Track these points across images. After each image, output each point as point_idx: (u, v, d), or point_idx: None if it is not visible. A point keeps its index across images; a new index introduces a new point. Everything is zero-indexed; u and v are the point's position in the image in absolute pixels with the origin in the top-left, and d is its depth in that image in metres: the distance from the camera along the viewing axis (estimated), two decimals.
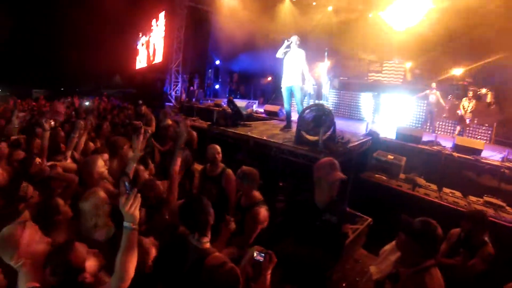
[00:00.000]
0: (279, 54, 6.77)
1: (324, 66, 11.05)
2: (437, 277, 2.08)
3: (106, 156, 3.97)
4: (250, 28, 12.50)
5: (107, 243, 2.29)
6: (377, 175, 5.65)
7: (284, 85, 6.83)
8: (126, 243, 1.75)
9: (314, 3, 13.93)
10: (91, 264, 1.84)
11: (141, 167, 3.77)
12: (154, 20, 21.03)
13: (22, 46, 25.61)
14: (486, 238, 3.18)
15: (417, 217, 2.18)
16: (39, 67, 26.22)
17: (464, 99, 8.87)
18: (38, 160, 3.67)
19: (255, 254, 2.04)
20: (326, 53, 10.02)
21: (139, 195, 1.78)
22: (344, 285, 3.29)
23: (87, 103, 12.26)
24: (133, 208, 1.75)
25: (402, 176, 5.76)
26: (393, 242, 2.51)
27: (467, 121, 8.61)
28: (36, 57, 25.73)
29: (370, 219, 4.64)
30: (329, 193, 2.60)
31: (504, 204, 4.95)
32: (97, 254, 1.97)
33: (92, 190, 2.69)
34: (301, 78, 6.65)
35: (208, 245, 2.15)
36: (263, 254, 2.03)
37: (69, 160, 3.97)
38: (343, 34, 12.64)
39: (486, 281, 3.08)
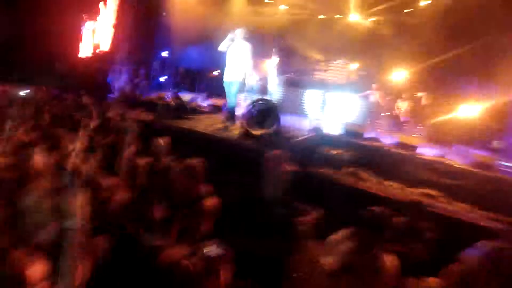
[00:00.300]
0: (222, 47, 6.62)
1: (271, 62, 11.12)
2: (389, 259, 2.15)
3: (43, 149, 3.69)
4: (200, 21, 12.24)
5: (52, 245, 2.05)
6: (321, 169, 5.75)
7: (227, 79, 6.70)
8: (69, 245, 1.58)
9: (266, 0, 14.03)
10: (34, 272, 1.58)
11: (83, 162, 3.56)
12: (101, 4, 19.86)
13: None
14: (426, 225, 3.38)
15: (361, 208, 2.22)
16: None
17: (398, 100, 9.72)
18: None
19: (207, 249, 1.96)
20: (274, 50, 10.07)
21: (81, 191, 1.58)
22: (295, 276, 3.27)
23: (22, 93, 11.31)
24: (75, 205, 1.59)
25: (346, 170, 5.92)
26: (339, 233, 2.48)
27: (401, 119, 9.36)
28: None
29: (320, 211, 4.69)
30: (277, 185, 2.59)
31: (439, 194, 5.36)
32: (41, 258, 1.69)
33: (31, 186, 2.47)
34: (243, 73, 6.54)
35: (159, 242, 2.06)
36: (216, 250, 1.96)
37: None
38: (292, 32, 12.83)
39: (426, 265, 3.24)
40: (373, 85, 10.16)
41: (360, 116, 10.11)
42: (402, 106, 9.78)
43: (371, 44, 11.40)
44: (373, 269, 2.10)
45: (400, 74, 10.98)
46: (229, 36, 6.44)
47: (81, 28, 23.42)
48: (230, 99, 6.89)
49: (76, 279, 1.56)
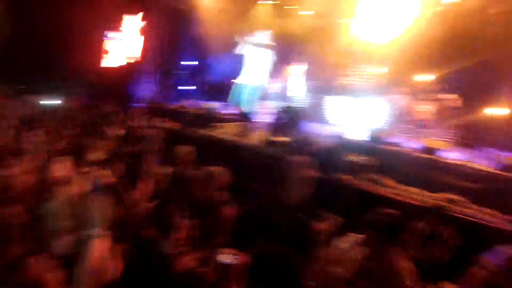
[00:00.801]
0: (239, 50, 6.49)
1: (296, 69, 11.13)
2: (406, 265, 2.19)
3: (71, 157, 3.86)
4: (226, 30, 12.42)
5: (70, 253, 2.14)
6: (345, 176, 5.68)
7: (241, 81, 6.57)
8: (89, 252, 1.62)
9: (291, 7, 14.03)
10: (49, 279, 1.68)
11: (106, 170, 3.68)
12: (127, 16, 20.41)
13: None
14: (447, 230, 3.34)
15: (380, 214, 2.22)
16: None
17: (425, 102, 9.35)
18: None
19: (223, 257, 2.00)
20: (298, 56, 10.08)
21: (106, 199, 1.65)
22: (314, 285, 3.29)
23: (53, 103, 11.79)
24: (97, 214, 1.61)
25: (369, 176, 5.81)
26: (345, 239, 2.56)
27: (429, 124, 9.02)
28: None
29: (339, 219, 4.68)
30: (300, 191, 2.62)
31: (465, 200, 5.13)
32: (57, 267, 1.81)
33: (54, 190, 2.62)
34: (261, 77, 6.41)
35: (176, 249, 2.10)
36: (231, 256, 2.00)
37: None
38: (316, 38, 12.76)
39: (446, 271, 3.20)
40: (402, 89, 9.93)
41: (386, 121, 9.99)
42: (427, 108, 9.44)
43: (398, 46, 11.12)
44: (389, 275, 2.13)
45: (427, 76, 10.72)
46: (249, 39, 6.30)
47: (107, 39, 24.18)
48: (240, 102, 6.65)
49: (94, 285, 1.61)
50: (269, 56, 6.35)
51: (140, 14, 18.42)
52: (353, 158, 5.94)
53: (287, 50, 12.06)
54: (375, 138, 7.27)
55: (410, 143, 7.53)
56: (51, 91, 18.25)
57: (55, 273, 1.74)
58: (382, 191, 5.34)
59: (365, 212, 2.38)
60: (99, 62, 24.86)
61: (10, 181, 2.85)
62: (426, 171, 6.17)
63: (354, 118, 9.95)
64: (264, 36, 6.37)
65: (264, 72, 6.38)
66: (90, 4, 21.21)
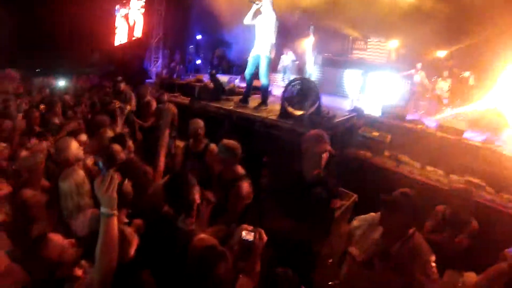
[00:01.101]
0: (246, 20, 6.17)
1: (308, 42, 10.85)
2: (423, 241, 2.16)
3: (84, 136, 3.84)
4: (234, 2, 12.07)
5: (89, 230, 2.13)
6: (361, 152, 5.62)
7: (252, 53, 6.33)
8: (104, 231, 1.55)
9: None
10: (69, 256, 1.69)
11: (118, 147, 3.62)
12: None
13: None
14: (470, 215, 3.27)
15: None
16: (14, 47, 24.94)
17: (439, 79, 9.10)
18: (2, 145, 3.46)
19: (244, 234, 1.94)
20: (311, 29, 9.80)
21: (115, 176, 1.58)
22: (330, 261, 3.25)
23: (62, 83, 11.82)
24: (110, 191, 1.53)
25: (386, 153, 5.75)
26: (361, 217, 2.52)
27: (444, 101, 8.69)
28: (12, 37, 24.51)
29: (355, 196, 4.59)
30: (316, 165, 2.55)
31: (484, 184, 5.01)
32: (75, 244, 1.81)
33: (71, 169, 2.58)
34: (270, 46, 6.19)
35: (193, 226, 2.05)
36: (252, 233, 1.93)
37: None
38: (328, 10, 12.39)
39: (469, 257, 3.11)
40: (418, 65, 9.61)
41: (401, 97, 9.75)
42: (444, 86, 9.16)
43: (412, 20, 10.72)
44: (406, 256, 2.06)
45: (444, 52, 10.40)
46: (254, 7, 6.10)
47: (115, 16, 24.00)
48: (248, 75, 6.52)
49: (110, 265, 1.57)
50: (273, 20, 6.00)
51: None
52: (371, 133, 5.82)
53: (299, 22, 11.79)
54: (393, 114, 7.07)
55: (429, 121, 7.30)
56: (64, 72, 18.32)
57: (73, 250, 1.76)
58: (400, 169, 5.25)
59: (383, 190, 2.29)
60: (109, 41, 24.90)
61: (33, 162, 2.86)
62: (445, 151, 5.97)
63: (371, 92, 9.72)
64: (266, 3, 6.01)
65: (271, 41, 6.07)
66: None
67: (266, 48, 6.07)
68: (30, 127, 4.43)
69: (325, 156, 2.55)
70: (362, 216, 2.52)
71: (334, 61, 12.02)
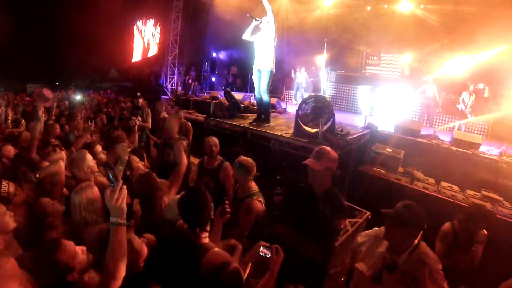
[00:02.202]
0: (245, 36, 6.17)
1: (322, 58, 10.95)
2: (429, 250, 2.18)
3: (99, 148, 3.95)
4: (247, 20, 12.32)
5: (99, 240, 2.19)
6: (375, 168, 5.59)
7: (255, 69, 6.33)
8: (113, 239, 1.65)
9: None
10: (80, 262, 1.77)
11: (136, 159, 3.70)
12: (148, 13, 20.87)
13: (16, 41, 25.25)
14: (484, 231, 3.23)
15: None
16: (33, 61, 25.93)
17: (464, 93, 8.75)
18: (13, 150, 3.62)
19: (261, 249, 1.99)
20: (325, 45, 9.91)
21: (124, 187, 1.67)
22: (342, 279, 3.27)
23: (78, 97, 12.17)
24: (119, 202, 1.63)
25: (400, 169, 5.71)
26: (364, 233, 2.55)
27: (468, 116, 8.53)
28: (30, 52, 25.47)
29: (368, 213, 4.60)
30: (322, 182, 2.61)
31: (501, 199, 4.95)
32: (86, 251, 1.90)
33: (86, 184, 2.66)
34: (271, 60, 6.08)
35: (207, 240, 2.09)
36: (270, 249, 1.98)
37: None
38: (340, 26, 12.54)
39: (484, 273, 3.08)
40: (430, 78, 9.49)
41: (415, 111, 9.74)
42: (469, 99, 8.75)
43: (423, 34, 10.75)
44: (414, 266, 2.10)
45: (455, 66, 10.31)
46: (253, 22, 6.11)
47: (133, 35, 24.72)
48: (257, 92, 6.43)
49: (119, 273, 1.64)
50: (272, 35, 6.02)
51: (159, 9, 18.78)
52: (385, 150, 5.80)
53: (311, 39, 11.92)
54: (407, 129, 7.04)
55: (444, 136, 7.27)
56: (81, 87, 18.82)
57: (83, 256, 1.84)
58: (414, 185, 5.17)
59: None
60: (126, 58, 25.60)
61: (57, 172, 2.97)
62: (461, 165, 5.93)
63: (384, 108, 9.73)
64: (267, 16, 6.04)
65: (271, 55, 6.09)
66: (118, 1, 21.85)
67: (268, 63, 6.09)
68: (48, 138, 4.57)
69: (328, 173, 2.59)
70: (366, 232, 2.55)
71: (348, 77, 12.09)
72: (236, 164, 3.41)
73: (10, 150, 3.72)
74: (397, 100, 9.99)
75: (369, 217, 4.57)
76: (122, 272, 1.66)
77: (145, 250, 2.06)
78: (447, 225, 3.36)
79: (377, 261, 2.28)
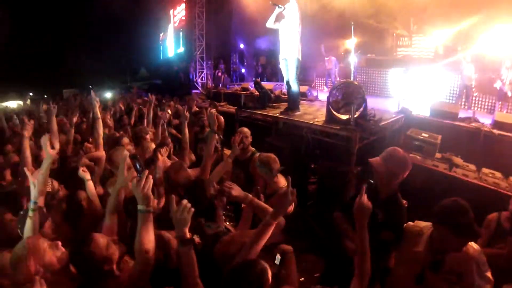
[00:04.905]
0: (269, 24, 6.15)
1: (350, 42, 10.71)
2: (478, 256, 2.01)
3: (126, 140, 4.19)
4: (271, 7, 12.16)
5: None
6: (411, 155, 5.34)
7: (281, 57, 6.29)
8: (141, 226, 1.76)
9: None
10: (113, 252, 1.85)
11: (162, 153, 3.75)
12: (172, 10, 21.22)
13: (50, 49, 26.49)
14: None
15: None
16: (66, 67, 27.12)
17: (504, 68, 7.99)
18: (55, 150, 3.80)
19: (277, 257, 1.99)
20: (352, 29, 9.68)
21: (150, 176, 1.78)
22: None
23: (110, 95, 12.60)
24: (146, 190, 1.74)
25: (437, 155, 5.43)
26: (407, 227, 2.39)
27: (509, 93, 7.83)
28: (63, 58, 26.62)
29: (405, 202, 4.49)
30: (385, 184, 2.49)
31: None
32: (117, 241, 2.00)
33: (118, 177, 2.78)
34: (297, 48, 6.01)
35: (221, 228, 2.18)
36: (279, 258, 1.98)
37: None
38: (368, 7, 12.10)
39: None
40: (467, 56, 8.91)
41: (451, 93, 9.35)
42: (507, 75, 7.88)
43: (457, 10, 10.08)
44: (461, 262, 1.98)
45: (494, 41, 9.62)
46: (276, 10, 6.02)
47: (160, 34, 25.20)
48: (287, 79, 6.40)
49: (148, 257, 1.74)
50: (296, 23, 5.91)
51: (183, 5, 18.96)
52: (421, 135, 5.56)
53: (340, 24, 11.64)
54: (443, 113, 6.71)
55: (484, 118, 6.84)
56: (113, 87, 19.43)
57: (116, 246, 1.91)
58: (453, 172, 4.89)
59: (435, 195, 2.23)
60: (155, 56, 26.23)
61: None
62: (502, 150, 5.56)
63: (418, 91, 9.34)
64: (290, 5, 5.92)
65: (297, 43, 6.00)
66: (143, 2, 22.38)
67: (293, 51, 6.04)
68: (82, 138, 4.94)
69: (392, 177, 2.46)
70: (407, 226, 2.40)
71: (378, 61, 11.77)
72: (257, 163, 3.40)
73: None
74: (431, 81, 9.60)
75: (406, 206, 4.45)
76: (151, 255, 1.77)
77: (175, 243, 2.06)
78: (493, 214, 3.13)
79: (418, 260, 2.14)
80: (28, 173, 2.35)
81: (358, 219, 1.90)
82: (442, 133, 5.68)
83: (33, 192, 2.26)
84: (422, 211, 2.53)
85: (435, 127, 6.16)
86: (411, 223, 2.39)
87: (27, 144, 3.60)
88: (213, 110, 4.31)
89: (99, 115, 4.07)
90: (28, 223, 2.20)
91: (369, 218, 1.89)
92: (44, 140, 2.71)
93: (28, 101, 20.61)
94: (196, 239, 2.05)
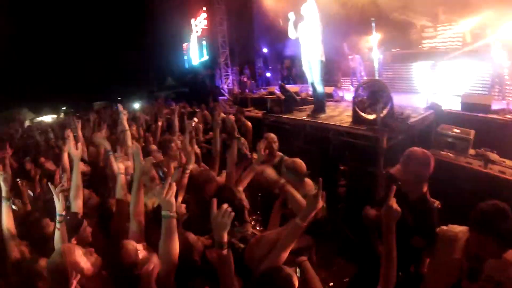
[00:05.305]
0: (291, 35, 6.22)
1: (372, 39, 10.54)
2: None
3: (154, 147, 4.42)
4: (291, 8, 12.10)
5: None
6: (443, 152, 5.14)
7: (304, 60, 6.31)
8: (165, 231, 1.88)
9: None
10: (142, 257, 1.93)
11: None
12: (193, 20, 21.65)
13: (77, 64, 27.65)
14: None
15: (490, 198, 1.89)
16: (95, 79, 28.22)
17: None
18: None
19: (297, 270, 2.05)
20: (373, 25, 9.51)
21: (174, 184, 1.89)
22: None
23: (137, 107, 12.99)
24: (169, 196, 1.85)
25: (471, 151, 5.13)
26: (442, 231, 2.26)
27: None
28: (92, 71, 27.69)
29: (437, 202, 4.38)
30: (413, 189, 2.42)
31: None
32: (146, 246, 2.07)
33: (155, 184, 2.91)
34: (319, 50, 6.03)
35: (250, 231, 2.24)
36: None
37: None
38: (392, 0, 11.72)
39: None
40: (497, 42, 8.41)
41: (483, 84, 8.91)
42: None
43: None
44: (502, 271, 1.86)
45: None
46: (290, 19, 6.03)
47: (183, 43, 25.72)
48: (312, 81, 6.45)
49: (172, 260, 1.86)
50: (317, 24, 5.91)
51: (204, 14, 19.27)
52: (452, 130, 5.34)
53: (360, 20, 11.43)
54: (475, 106, 6.45)
55: None
56: (141, 97, 19.98)
57: (144, 251, 1.98)
58: (489, 169, 4.59)
59: (470, 194, 2.13)
60: (180, 65, 26.81)
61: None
62: None
63: (447, 84, 9.03)
64: (307, 4, 5.94)
65: (319, 44, 6.00)
66: (166, 12, 22.93)
67: (316, 52, 6.07)
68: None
69: (418, 180, 2.39)
70: (442, 230, 2.27)
71: (403, 55, 11.44)
72: (283, 169, 3.41)
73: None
74: (460, 73, 9.22)
75: (439, 207, 4.33)
76: (174, 259, 1.90)
77: (200, 246, 2.26)
78: None
79: (453, 268, 2.03)
80: (52, 187, 2.41)
81: (385, 224, 1.85)
82: (475, 128, 5.41)
83: (58, 205, 2.34)
84: (456, 213, 2.45)
85: (467, 121, 5.91)
86: (444, 227, 2.27)
87: (66, 157, 3.98)
88: (231, 116, 4.42)
89: (127, 127, 4.19)
90: (57, 234, 2.31)
91: (398, 222, 1.81)
92: (69, 142, 2.95)
93: (62, 115, 21.65)
94: (235, 241, 2.14)
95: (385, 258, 1.87)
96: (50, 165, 4.95)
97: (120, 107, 4.52)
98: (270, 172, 2.42)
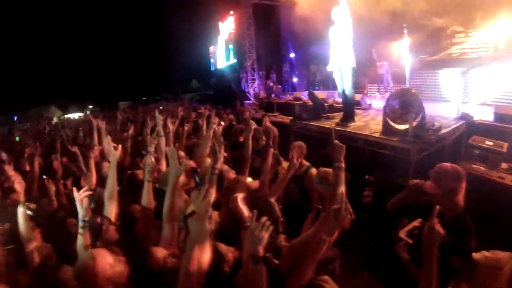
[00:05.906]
0: (329, 68, 6.31)
1: (403, 44, 10.40)
2: None
3: (182, 153, 4.25)
4: (318, 13, 12.05)
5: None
6: (474, 165, 4.97)
7: (334, 66, 6.23)
8: (192, 237, 1.75)
9: None
10: (171, 264, 1.95)
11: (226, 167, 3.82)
12: (220, 23, 21.93)
13: (105, 64, 28.54)
14: None
15: None
16: (121, 80, 29.04)
17: None
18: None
19: None
20: (404, 31, 9.37)
21: (211, 190, 1.90)
22: None
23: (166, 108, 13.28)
24: (205, 203, 1.75)
25: (504, 165, 4.92)
26: (483, 256, 2.20)
27: None
28: (118, 71, 28.51)
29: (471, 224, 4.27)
30: (448, 206, 2.37)
31: None
32: (176, 254, 2.09)
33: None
34: (351, 56, 5.98)
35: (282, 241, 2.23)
36: None
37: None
38: (419, 4, 11.54)
39: None
40: None
41: None
42: None
43: None
44: None
45: None
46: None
47: (210, 46, 26.04)
48: (340, 89, 6.42)
49: (199, 269, 1.72)
50: (350, 31, 5.88)
51: (232, 18, 19.48)
52: (482, 143, 5.18)
53: (390, 25, 11.29)
54: (507, 116, 6.19)
55: None
56: (167, 98, 20.39)
57: (173, 259, 2.01)
58: None
59: (503, 211, 2.09)
60: (205, 68, 27.19)
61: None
62: None
63: (479, 93, 8.77)
64: (337, 8, 5.88)
65: (350, 50, 5.96)
66: (193, 15, 23.34)
67: (348, 59, 6.02)
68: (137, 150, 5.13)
69: (453, 195, 2.34)
70: (484, 255, 2.19)
71: (433, 62, 11.19)
72: (316, 179, 3.42)
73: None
74: (494, 81, 8.83)
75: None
76: (204, 266, 1.77)
77: (230, 256, 2.14)
78: None
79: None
80: (76, 193, 2.40)
81: (427, 246, 1.81)
82: (508, 141, 5.24)
83: (80, 211, 2.33)
84: (487, 231, 2.44)
85: (501, 133, 5.72)
86: (486, 252, 2.18)
87: (93, 163, 4.06)
88: (269, 124, 4.39)
89: (162, 133, 4.20)
90: (79, 239, 2.28)
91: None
92: (107, 141, 2.97)
93: (88, 113, 22.46)
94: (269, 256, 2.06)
95: (424, 283, 1.82)
96: (74, 165, 4.98)
97: (157, 113, 4.55)
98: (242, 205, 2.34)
